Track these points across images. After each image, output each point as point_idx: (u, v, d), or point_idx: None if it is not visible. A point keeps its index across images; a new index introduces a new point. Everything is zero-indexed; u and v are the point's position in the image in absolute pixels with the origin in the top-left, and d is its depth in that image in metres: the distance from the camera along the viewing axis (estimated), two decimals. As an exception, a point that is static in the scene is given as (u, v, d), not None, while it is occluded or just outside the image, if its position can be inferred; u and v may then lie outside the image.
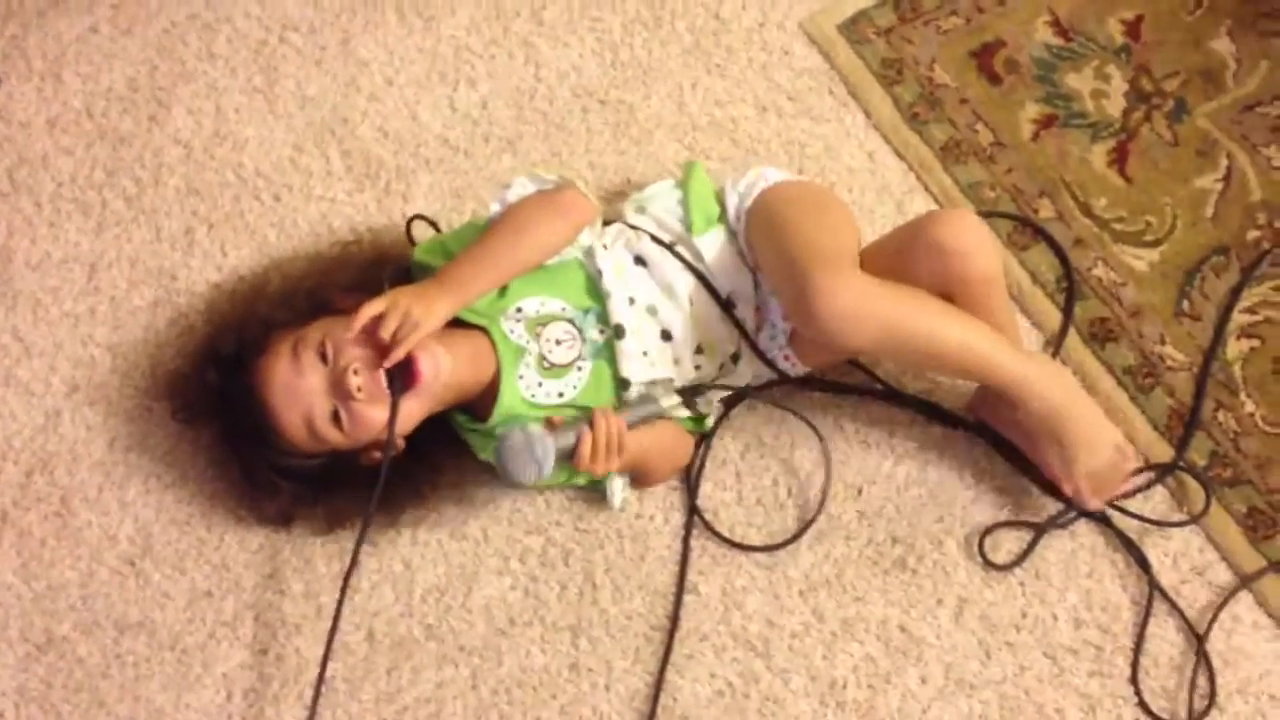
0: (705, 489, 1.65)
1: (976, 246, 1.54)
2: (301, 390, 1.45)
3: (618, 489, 1.60)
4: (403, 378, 1.44)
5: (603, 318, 1.57)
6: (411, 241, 1.73)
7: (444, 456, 1.60)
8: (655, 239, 1.61)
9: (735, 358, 1.62)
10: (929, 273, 1.53)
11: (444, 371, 1.47)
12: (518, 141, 1.87)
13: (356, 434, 1.47)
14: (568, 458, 1.44)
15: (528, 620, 1.57)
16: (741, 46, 1.96)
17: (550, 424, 1.45)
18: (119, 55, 1.90)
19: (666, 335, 1.58)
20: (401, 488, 1.55)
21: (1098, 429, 1.57)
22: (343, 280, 1.60)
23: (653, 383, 1.58)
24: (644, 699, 1.53)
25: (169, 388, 1.64)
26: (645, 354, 1.57)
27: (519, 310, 1.55)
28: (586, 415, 1.47)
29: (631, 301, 1.57)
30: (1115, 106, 1.89)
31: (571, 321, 1.56)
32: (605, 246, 1.61)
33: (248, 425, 1.50)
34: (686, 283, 1.60)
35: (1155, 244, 1.80)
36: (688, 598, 1.58)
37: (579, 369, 1.55)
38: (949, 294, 1.54)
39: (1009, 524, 1.61)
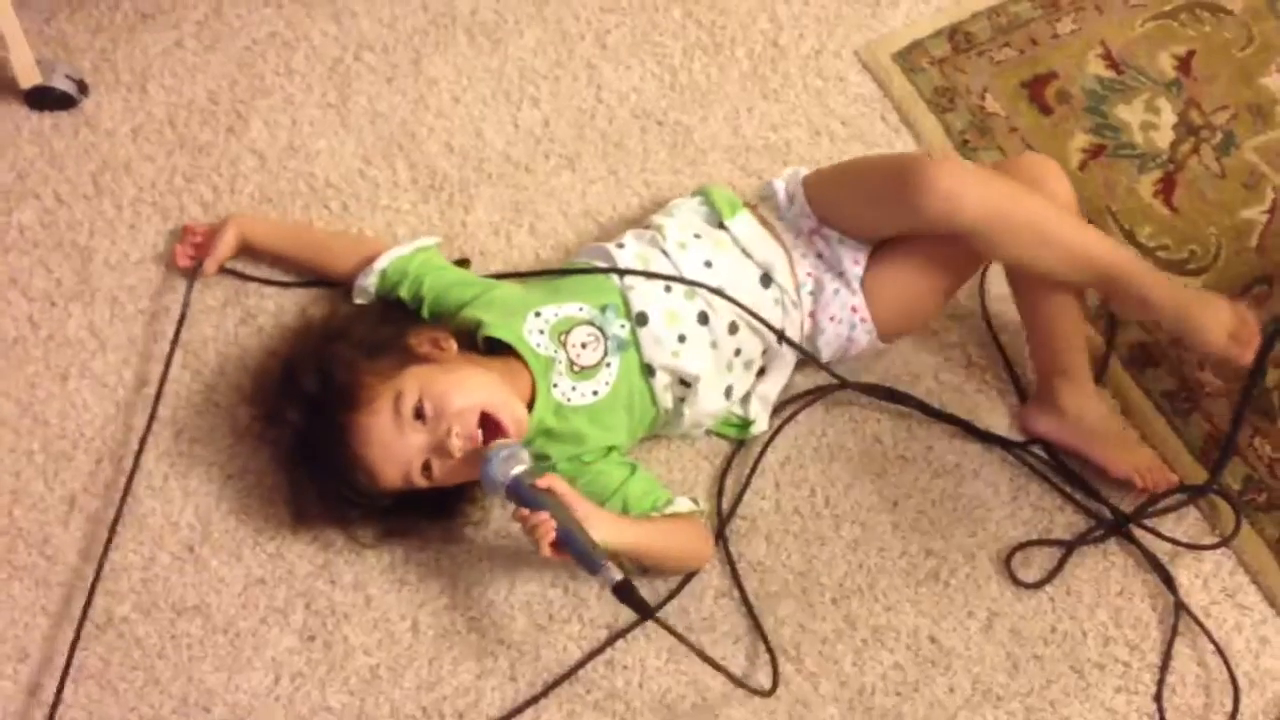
0: (745, 497, 1.69)
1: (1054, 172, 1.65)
2: (402, 449, 1.53)
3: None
4: (492, 434, 1.53)
5: (623, 311, 1.62)
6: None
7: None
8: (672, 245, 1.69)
9: (780, 338, 1.66)
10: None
11: (523, 423, 1.55)
12: (577, 159, 1.93)
13: (446, 482, 1.56)
14: (513, 498, 1.49)
15: (566, 617, 1.62)
16: (797, 73, 2.01)
17: (543, 482, 1.49)
18: (202, 69, 1.99)
19: (704, 318, 1.63)
20: (454, 495, 1.62)
21: (1212, 300, 1.60)
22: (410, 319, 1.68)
23: (680, 376, 1.62)
24: (676, 696, 1.58)
25: (245, 398, 1.72)
26: (682, 338, 1.62)
27: (538, 315, 1.62)
28: (549, 503, 1.47)
29: (668, 289, 1.63)
30: (1164, 138, 1.93)
31: (591, 322, 1.62)
32: (620, 245, 1.68)
33: (329, 467, 1.57)
34: (720, 262, 1.66)
35: (1199, 272, 1.83)
36: (722, 600, 1.62)
37: (608, 365, 1.61)
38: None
39: (1041, 542, 1.64)
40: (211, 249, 1.78)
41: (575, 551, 1.46)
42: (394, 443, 1.53)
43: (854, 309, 1.67)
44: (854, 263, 1.67)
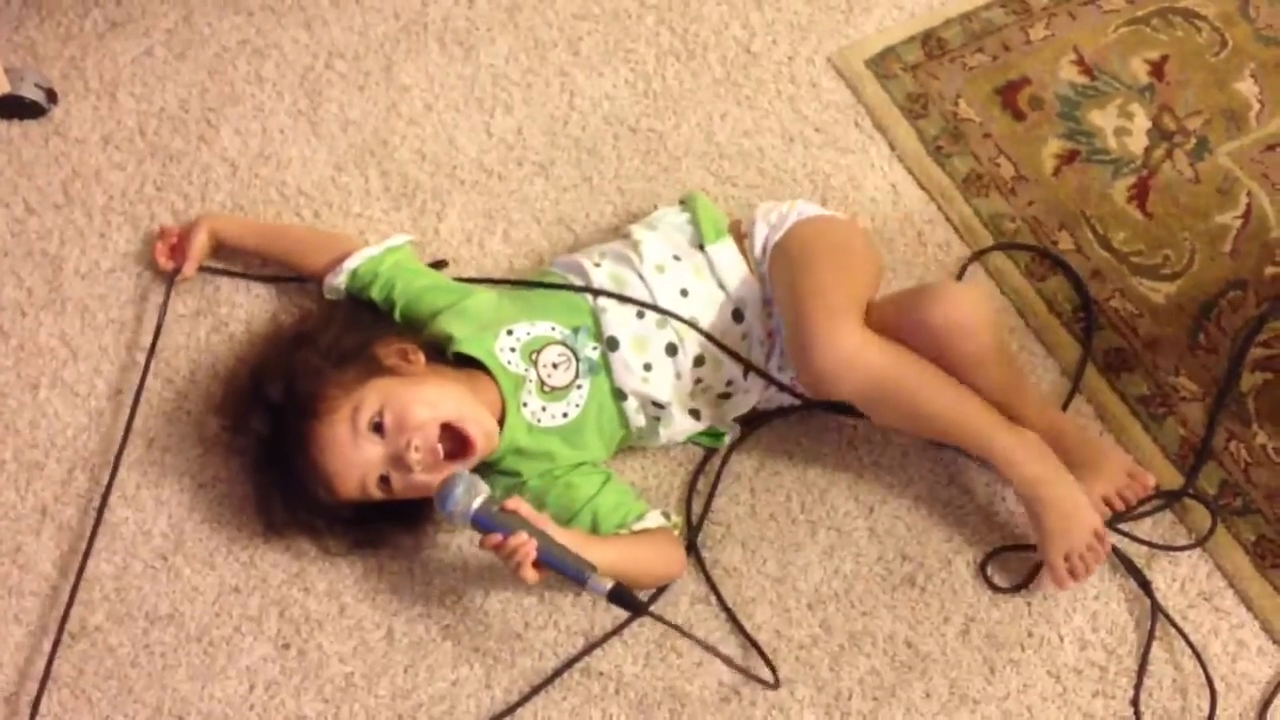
0: (719, 503, 1.69)
1: (968, 323, 1.54)
2: (359, 461, 1.52)
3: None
4: (457, 447, 1.52)
5: (594, 333, 1.62)
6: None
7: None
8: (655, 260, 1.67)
9: (745, 373, 1.66)
10: (923, 345, 1.55)
11: (492, 436, 1.54)
12: (550, 166, 1.93)
13: (406, 495, 1.54)
14: (479, 529, 1.47)
15: (542, 624, 1.61)
16: (771, 79, 2.01)
17: (506, 509, 1.47)
18: (172, 77, 1.98)
19: (672, 349, 1.62)
20: (424, 504, 1.60)
21: (1075, 513, 1.55)
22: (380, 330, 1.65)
23: (650, 400, 1.62)
24: (652, 703, 1.57)
25: (214, 406, 1.70)
26: (648, 366, 1.61)
27: (510, 333, 1.61)
28: (520, 525, 1.46)
29: (640, 315, 1.62)
30: (1137, 143, 1.93)
31: (564, 343, 1.61)
32: (597, 264, 1.67)
33: (292, 475, 1.56)
34: (696, 292, 1.64)
35: (1173, 277, 1.83)
36: (699, 606, 1.62)
37: (578, 387, 1.60)
38: (946, 365, 1.56)
39: (1017, 547, 1.64)
40: (187, 250, 1.77)
41: (559, 567, 1.45)
42: (350, 455, 1.51)
43: (794, 379, 1.65)
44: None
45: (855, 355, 1.51)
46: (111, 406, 1.73)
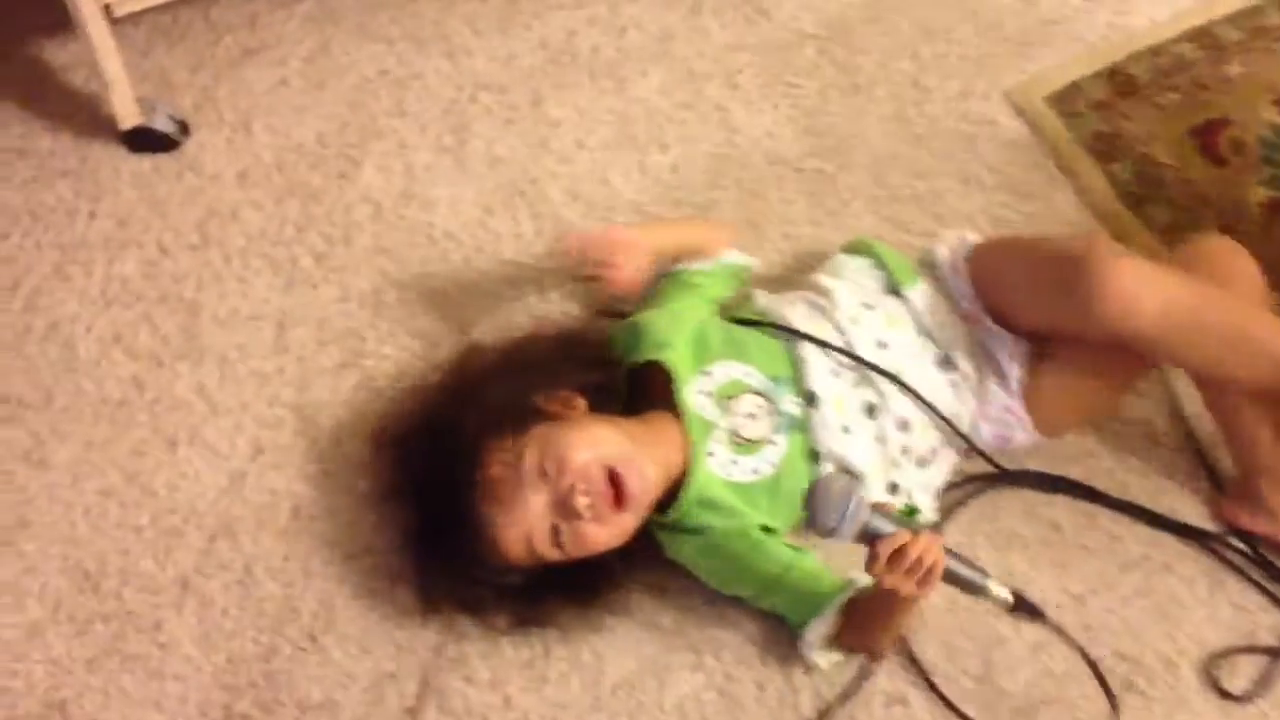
0: (909, 586, 1.55)
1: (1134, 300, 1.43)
2: (524, 513, 1.41)
3: (815, 640, 1.44)
4: (621, 494, 1.41)
5: (796, 386, 1.49)
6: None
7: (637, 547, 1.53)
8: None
9: (969, 444, 1.54)
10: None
11: (651, 483, 1.43)
12: (711, 209, 1.81)
13: (576, 552, 1.43)
14: (868, 540, 1.30)
15: None
16: (944, 116, 1.88)
17: (881, 508, 1.33)
18: (310, 109, 1.87)
19: (871, 409, 1.50)
20: (593, 573, 1.49)
21: None
22: (541, 378, 1.54)
23: (847, 466, 1.49)
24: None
25: (363, 469, 1.60)
26: (846, 429, 1.49)
27: (708, 374, 1.49)
28: (910, 525, 1.33)
29: (835, 374, 1.50)
30: (1352, 192, 1.78)
31: (762, 393, 1.49)
32: (793, 304, 1.56)
33: (454, 540, 1.46)
34: (895, 343, 1.52)
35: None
36: (894, 708, 1.48)
37: (773, 443, 1.48)
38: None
39: (1248, 649, 1.50)
40: (621, 272, 1.56)
41: (956, 573, 1.33)
42: (515, 507, 1.41)
43: (1009, 410, 1.54)
44: (1011, 359, 1.54)
45: (1147, 274, 1.43)
46: (255, 467, 1.62)
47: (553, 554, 1.43)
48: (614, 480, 1.41)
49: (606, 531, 1.42)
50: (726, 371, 1.50)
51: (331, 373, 1.69)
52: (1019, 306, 1.53)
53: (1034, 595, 1.51)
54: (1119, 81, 1.88)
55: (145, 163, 1.83)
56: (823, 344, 1.50)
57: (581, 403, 1.50)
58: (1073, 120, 1.86)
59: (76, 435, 1.64)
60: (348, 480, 1.62)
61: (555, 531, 1.42)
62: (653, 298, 1.63)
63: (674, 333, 1.53)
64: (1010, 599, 1.36)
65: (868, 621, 1.42)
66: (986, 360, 1.55)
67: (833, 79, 1.92)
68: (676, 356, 1.51)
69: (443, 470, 1.46)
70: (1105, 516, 1.58)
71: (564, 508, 1.40)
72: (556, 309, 1.73)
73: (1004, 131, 1.87)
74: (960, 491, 1.59)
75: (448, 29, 1.94)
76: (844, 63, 1.93)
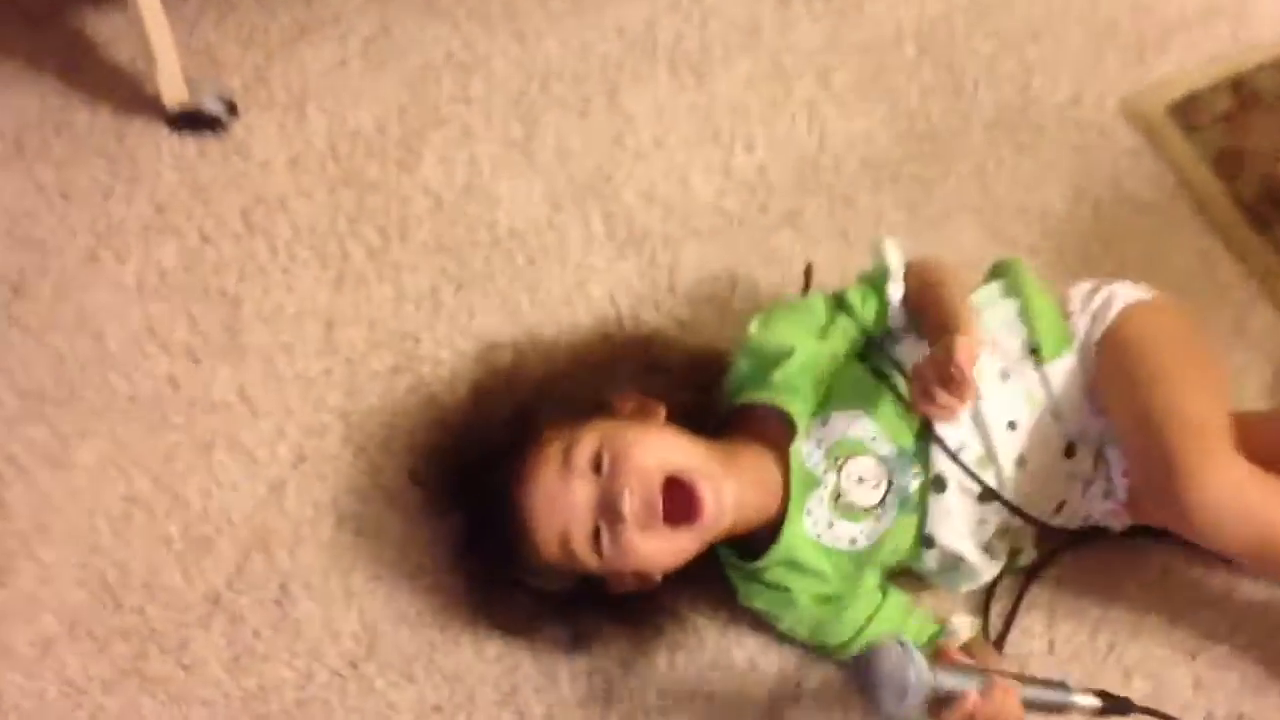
0: (1012, 636, 1.41)
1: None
2: (565, 502, 1.27)
3: None
4: (681, 508, 1.25)
5: (921, 461, 1.34)
6: (807, 286, 1.55)
7: (706, 577, 1.39)
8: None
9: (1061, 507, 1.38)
10: None
11: (728, 508, 1.28)
12: (799, 215, 1.67)
13: (616, 562, 1.28)
14: (936, 707, 1.16)
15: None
16: (1053, 124, 1.75)
17: (942, 656, 1.20)
18: (368, 93, 1.75)
19: (988, 495, 1.34)
20: (653, 608, 1.37)
21: None
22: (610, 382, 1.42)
23: (957, 555, 1.35)
24: None
25: (415, 474, 1.46)
26: (967, 526, 1.35)
27: (825, 423, 1.34)
28: (977, 670, 1.20)
29: (960, 449, 1.34)
30: None
31: (882, 459, 1.34)
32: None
33: (494, 529, 1.33)
34: (1025, 424, 1.35)
35: None
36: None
37: (879, 517, 1.34)
38: None
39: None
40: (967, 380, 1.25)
41: (1036, 697, 1.21)
42: (557, 493, 1.27)
43: (1111, 513, 1.39)
44: (1122, 472, 1.37)
45: (1243, 498, 1.22)
46: (296, 476, 1.49)
47: (590, 560, 1.28)
48: (684, 494, 1.25)
49: (652, 545, 1.27)
50: (847, 426, 1.35)
51: (383, 377, 1.56)
52: (1122, 440, 1.36)
53: (1139, 649, 1.40)
54: (1244, 94, 1.74)
55: (189, 144, 1.71)
56: (953, 456, 1.33)
57: (661, 410, 1.36)
58: (1193, 133, 1.71)
59: (103, 435, 1.52)
60: (398, 493, 1.49)
61: (596, 536, 1.27)
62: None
63: (804, 377, 1.38)
64: (1097, 703, 1.23)
65: None
66: (1101, 459, 1.38)
67: (933, 80, 1.78)
68: (803, 406, 1.36)
69: (494, 454, 1.34)
70: (1218, 565, 1.42)
71: (610, 508, 1.26)
72: (628, 317, 1.60)
73: (1118, 142, 1.73)
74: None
75: (517, 9, 1.81)
76: (946, 63, 1.79)
